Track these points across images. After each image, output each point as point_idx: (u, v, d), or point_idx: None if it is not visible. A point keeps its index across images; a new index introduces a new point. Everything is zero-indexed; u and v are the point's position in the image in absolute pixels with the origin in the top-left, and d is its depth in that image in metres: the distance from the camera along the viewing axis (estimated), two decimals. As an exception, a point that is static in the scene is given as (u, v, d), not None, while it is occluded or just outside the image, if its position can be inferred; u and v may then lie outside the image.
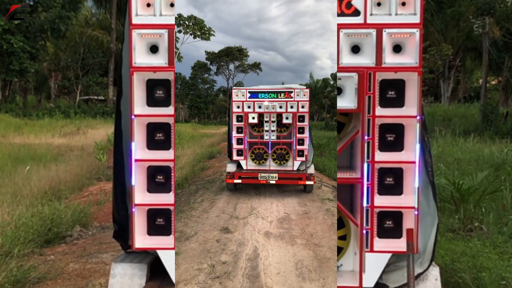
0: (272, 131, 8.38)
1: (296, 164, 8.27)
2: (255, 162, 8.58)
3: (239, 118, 8.24)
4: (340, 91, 2.66)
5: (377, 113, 2.55)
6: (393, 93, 2.58)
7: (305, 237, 5.39)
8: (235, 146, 8.30)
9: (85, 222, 6.77)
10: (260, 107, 8.07)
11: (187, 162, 12.22)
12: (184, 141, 19.11)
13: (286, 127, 8.55)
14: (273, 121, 8.33)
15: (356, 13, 2.50)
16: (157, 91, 2.66)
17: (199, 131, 32.72)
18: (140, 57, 2.63)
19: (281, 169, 8.38)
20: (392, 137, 2.61)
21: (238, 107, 8.15)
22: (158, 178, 2.68)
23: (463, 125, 20.60)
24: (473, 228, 6.38)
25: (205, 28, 24.43)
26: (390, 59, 2.54)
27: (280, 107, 8.03)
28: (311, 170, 8.16)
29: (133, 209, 2.61)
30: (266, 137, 8.43)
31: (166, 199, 2.66)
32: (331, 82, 47.97)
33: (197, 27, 23.48)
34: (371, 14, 2.49)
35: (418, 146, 2.51)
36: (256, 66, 56.88)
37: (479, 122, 20.82)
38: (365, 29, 2.51)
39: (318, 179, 10.03)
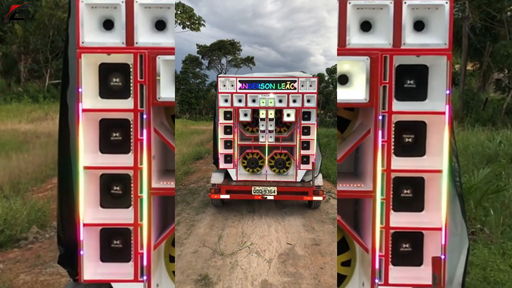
0: (270, 131, 6.67)
1: (300, 174, 6.62)
2: (248, 171, 6.93)
3: (228, 115, 6.47)
4: (345, 80, 2.11)
5: (393, 108, 2.01)
6: (412, 82, 2.04)
7: (323, 293, 3.83)
8: (222, 150, 6.59)
9: (43, 222, 6.12)
10: (254, 101, 6.39)
11: (170, 165, 11.33)
12: (171, 139, 18.28)
13: (287, 126, 7.05)
14: (270, 119, 6.60)
15: None
16: (112, 79, 2.08)
17: (190, 128, 31.83)
18: (90, 35, 2.04)
19: (281, 180, 6.70)
20: (411, 139, 2.06)
21: (226, 100, 6.39)
22: (114, 189, 2.11)
23: (442, 111, 20.43)
24: (476, 230, 5.95)
25: (195, 18, 23.22)
26: (411, 39, 1.99)
27: (280, 101, 6.34)
28: (319, 181, 6.48)
29: (81, 230, 2.04)
30: (261, 139, 6.72)
31: (124, 216, 2.09)
32: (326, 78, 47.24)
33: (186, 16, 22.24)
34: None
35: (446, 150, 1.97)
36: (249, 60, 55.91)
37: (459, 109, 20.43)
38: (380, 0, 1.96)
39: (325, 189, 8.05)
